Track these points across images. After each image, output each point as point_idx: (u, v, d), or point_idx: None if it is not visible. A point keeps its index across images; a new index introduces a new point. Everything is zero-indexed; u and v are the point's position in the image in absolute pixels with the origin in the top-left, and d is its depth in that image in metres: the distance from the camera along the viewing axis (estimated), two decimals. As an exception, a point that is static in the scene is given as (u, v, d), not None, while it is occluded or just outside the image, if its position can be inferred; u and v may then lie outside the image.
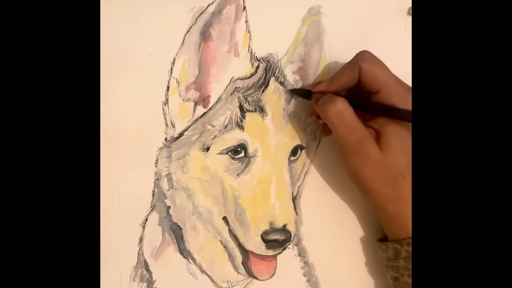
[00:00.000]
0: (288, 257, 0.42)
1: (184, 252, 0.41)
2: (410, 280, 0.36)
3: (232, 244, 0.41)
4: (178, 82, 0.40)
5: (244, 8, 0.41)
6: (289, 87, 0.42)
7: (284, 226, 0.39)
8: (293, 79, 0.42)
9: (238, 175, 0.40)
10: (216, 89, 0.40)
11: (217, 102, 0.40)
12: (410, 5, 0.43)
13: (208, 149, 0.40)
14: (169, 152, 0.41)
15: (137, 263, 0.41)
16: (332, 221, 0.43)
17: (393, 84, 0.36)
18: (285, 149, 0.41)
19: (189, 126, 0.40)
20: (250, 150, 0.40)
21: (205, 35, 0.40)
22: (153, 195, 0.41)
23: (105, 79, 0.40)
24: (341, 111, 0.35)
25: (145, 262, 0.41)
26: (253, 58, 0.41)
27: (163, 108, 0.41)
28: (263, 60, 0.41)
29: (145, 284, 0.41)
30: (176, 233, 0.41)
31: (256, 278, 0.41)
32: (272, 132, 0.41)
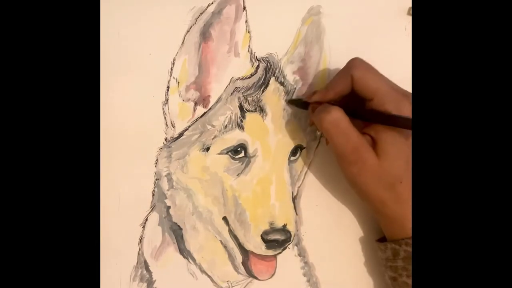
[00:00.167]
0: (288, 257, 0.42)
1: (184, 252, 0.41)
2: (408, 280, 0.36)
3: (232, 244, 0.41)
4: (178, 82, 0.40)
5: (244, 8, 0.41)
6: (290, 88, 0.42)
7: (284, 226, 0.39)
8: (293, 79, 0.42)
9: (238, 175, 0.40)
10: (216, 89, 0.40)
11: (217, 102, 0.40)
12: (410, 5, 0.43)
13: (208, 149, 0.40)
14: (169, 152, 0.41)
15: (137, 263, 0.41)
16: (332, 221, 0.43)
17: (386, 91, 0.36)
18: (285, 149, 0.41)
19: (189, 126, 0.40)
20: (250, 150, 0.40)
21: (205, 35, 0.40)
22: (153, 195, 0.41)
23: (105, 79, 0.40)
24: (336, 120, 0.35)
25: (145, 262, 0.41)
26: (253, 58, 0.41)
27: (163, 108, 0.41)
28: (263, 60, 0.41)
29: (145, 284, 0.41)
30: (176, 233, 0.41)
31: (256, 278, 0.41)
32: (272, 132, 0.41)
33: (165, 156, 0.41)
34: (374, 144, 0.36)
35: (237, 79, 0.41)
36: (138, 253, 0.41)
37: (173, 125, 0.40)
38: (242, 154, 0.40)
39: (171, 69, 0.40)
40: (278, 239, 0.39)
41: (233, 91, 0.40)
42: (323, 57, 0.42)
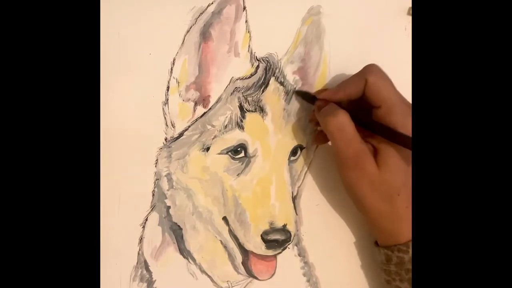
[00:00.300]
0: (288, 257, 0.42)
1: (184, 252, 0.41)
2: (401, 285, 0.36)
3: (232, 244, 0.41)
4: (178, 82, 0.40)
5: (244, 8, 0.41)
6: (290, 88, 0.42)
7: (284, 226, 0.39)
8: (293, 79, 0.42)
9: (238, 175, 0.40)
10: (216, 89, 0.40)
11: (217, 102, 0.40)
12: (410, 5, 0.43)
13: (208, 149, 0.40)
14: (169, 152, 0.41)
15: (137, 263, 0.41)
16: (332, 221, 0.43)
17: (395, 102, 0.36)
18: (285, 149, 0.41)
19: (189, 126, 0.40)
20: (250, 150, 0.40)
21: (205, 35, 0.40)
22: (153, 195, 0.41)
23: (105, 79, 0.40)
24: (342, 124, 0.36)
25: (145, 262, 0.41)
26: (253, 58, 0.41)
27: (163, 108, 0.41)
28: (263, 60, 0.41)
29: (145, 284, 0.41)
30: (176, 233, 0.41)
31: (256, 278, 0.41)
32: (272, 132, 0.41)
33: (165, 156, 0.41)
34: (375, 154, 0.36)
35: (237, 79, 0.41)
36: (138, 253, 0.41)
37: (173, 125, 0.40)
38: (242, 154, 0.40)
39: (171, 69, 0.40)
40: (278, 239, 0.39)
41: (233, 91, 0.40)
42: (323, 57, 0.42)
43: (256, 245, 0.39)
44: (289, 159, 0.41)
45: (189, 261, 0.41)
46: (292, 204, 0.41)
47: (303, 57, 0.42)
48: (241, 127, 0.40)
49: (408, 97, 0.36)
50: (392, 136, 0.35)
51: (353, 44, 0.42)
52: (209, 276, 0.41)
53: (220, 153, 0.40)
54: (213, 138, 0.40)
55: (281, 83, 0.41)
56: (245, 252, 0.41)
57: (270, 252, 0.40)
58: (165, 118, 0.41)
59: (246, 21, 0.41)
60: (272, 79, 0.41)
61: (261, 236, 0.39)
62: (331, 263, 0.43)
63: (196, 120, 0.40)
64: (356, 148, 0.35)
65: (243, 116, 0.40)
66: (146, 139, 0.40)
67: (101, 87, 0.39)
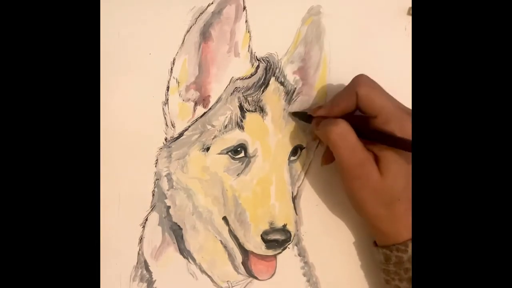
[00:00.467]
0: (288, 257, 0.42)
1: (184, 252, 0.41)
2: (400, 284, 0.36)
3: (232, 244, 0.41)
4: (178, 82, 0.40)
5: (244, 8, 0.41)
6: (290, 88, 0.42)
7: (284, 226, 0.39)
8: (293, 79, 0.42)
9: (238, 175, 0.40)
10: (216, 89, 0.40)
11: (217, 102, 0.40)
12: (410, 5, 0.43)
13: (208, 149, 0.40)
14: (169, 152, 0.41)
15: (137, 263, 0.41)
16: (332, 221, 0.43)
17: (390, 109, 0.36)
18: (285, 149, 0.41)
19: (189, 126, 0.40)
20: (250, 150, 0.40)
21: (205, 35, 0.40)
22: (153, 195, 0.41)
23: (105, 79, 0.40)
24: (344, 132, 0.35)
25: (145, 262, 0.41)
26: (253, 58, 0.41)
27: (163, 108, 0.41)
28: (263, 60, 0.41)
29: (145, 284, 0.41)
30: (176, 233, 0.41)
31: (256, 278, 0.41)
32: (272, 132, 0.41)
33: (165, 156, 0.41)
34: (377, 161, 0.36)
35: (237, 79, 0.41)
36: (138, 253, 0.41)
37: (173, 125, 0.40)
38: (242, 154, 0.40)
39: (171, 69, 0.40)
40: (278, 239, 0.39)
41: (233, 91, 0.40)
42: (323, 57, 0.42)
43: (256, 245, 0.39)
44: (289, 159, 0.41)
45: (189, 261, 0.41)
46: (292, 204, 0.41)
47: (303, 57, 0.42)
48: (241, 127, 0.40)
49: (408, 97, 0.36)
50: (393, 142, 0.35)
51: (353, 44, 0.42)
52: (209, 276, 0.41)
53: (220, 153, 0.40)
54: (213, 138, 0.40)
55: (281, 83, 0.41)
56: (245, 252, 0.41)
57: (270, 252, 0.40)
58: (165, 118, 0.41)
59: (246, 21, 0.41)
60: (272, 79, 0.41)
61: (261, 236, 0.39)
62: (331, 263, 0.43)
63: (196, 120, 0.40)
64: (360, 155, 0.35)
65: (243, 116, 0.40)
66: (146, 139, 0.40)
67: (101, 87, 0.39)
